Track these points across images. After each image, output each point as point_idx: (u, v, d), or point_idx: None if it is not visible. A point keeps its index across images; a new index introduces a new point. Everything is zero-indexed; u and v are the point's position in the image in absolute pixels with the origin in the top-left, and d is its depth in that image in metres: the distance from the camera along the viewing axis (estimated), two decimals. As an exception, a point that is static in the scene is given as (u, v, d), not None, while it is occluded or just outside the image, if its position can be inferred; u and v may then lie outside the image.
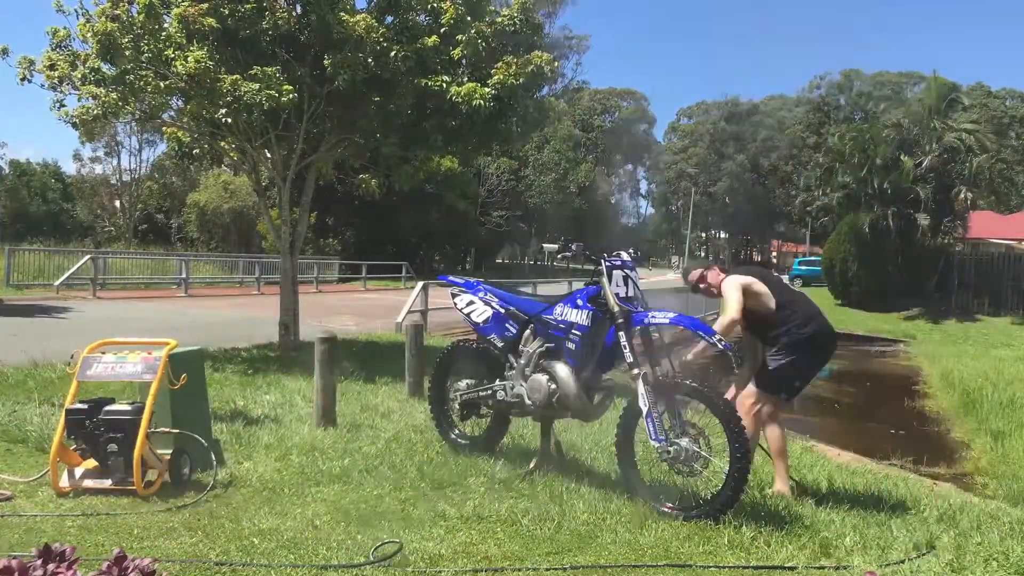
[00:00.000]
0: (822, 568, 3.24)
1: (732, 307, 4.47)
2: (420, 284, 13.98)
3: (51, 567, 1.60)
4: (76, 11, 8.36)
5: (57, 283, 17.62)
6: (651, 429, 3.87)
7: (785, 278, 49.00)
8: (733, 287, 4.54)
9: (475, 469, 4.37)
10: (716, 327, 4.42)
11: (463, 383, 4.87)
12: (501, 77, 8.66)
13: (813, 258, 44.67)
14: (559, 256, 4.47)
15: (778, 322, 4.53)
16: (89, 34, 7.92)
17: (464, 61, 9.18)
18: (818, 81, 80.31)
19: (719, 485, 3.82)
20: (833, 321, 4.88)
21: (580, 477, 4.30)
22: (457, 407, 4.88)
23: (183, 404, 4.21)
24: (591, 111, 77.60)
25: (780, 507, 4.08)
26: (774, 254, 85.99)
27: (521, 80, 8.73)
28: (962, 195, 27.49)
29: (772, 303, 4.56)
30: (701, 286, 4.79)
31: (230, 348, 9.51)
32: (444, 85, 8.60)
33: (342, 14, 8.33)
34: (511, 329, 4.58)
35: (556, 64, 10.02)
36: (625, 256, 4.26)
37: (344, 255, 32.24)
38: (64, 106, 8.37)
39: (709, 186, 77.52)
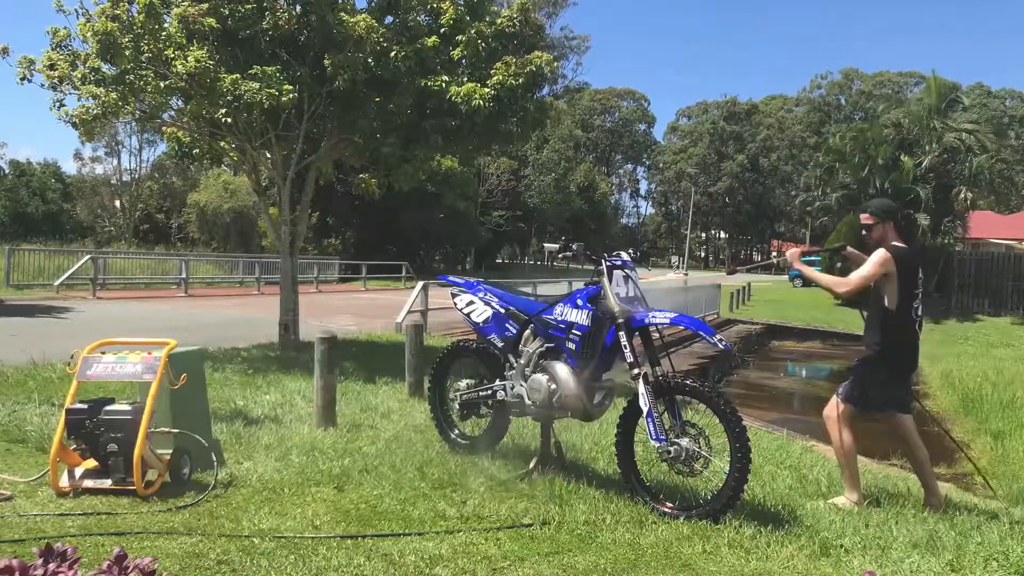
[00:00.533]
0: (822, 568, 3.25)
1: (862, 273, 4.40)
2: (420, 284, 13.96)
3: (52, 566, 1.59)
4: (76, 11, 8.36)
5: (57, 283, 17.64)
6: (651, 429, 3.87)
7: (785, 277, 49.19)
8: (878, 261, 4.36)
9: (475, 469, 4.37)
10: (837, 280, 4.48)
11: (463, 383, 4.87)
12: (501, 77, 8.66)
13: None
14: (559, 256, 4.46)
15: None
16: (89, 34, 7.92)
17: (464, 61, 9.19)
18: (818, 81, 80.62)
19: (719, 485, 3.83)
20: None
21: (580, 477, 4.30)
22: (457, 407, 4.88)
23: (183, 404, 4.20)
24: (591, 111, 77.76)
25: (780, 507, 4.08)
26: (774, 254, 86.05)
27: (521, 80, 8.73)
28: (962, 195, 27.51)
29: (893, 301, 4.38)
30: (864, 233, 4.53)
31: (230, 348, 9.50)
32: (444, 85, 8.61)
33: (342, 14, 8.34)
34: (511, 329, 4.57)
35: (556, 64, 10.03)
36: (625, 256, 4.26)
37: (344, 255, 32.25)
38: (64, 106, 8.37)
39: (709, 186, 77.64)
